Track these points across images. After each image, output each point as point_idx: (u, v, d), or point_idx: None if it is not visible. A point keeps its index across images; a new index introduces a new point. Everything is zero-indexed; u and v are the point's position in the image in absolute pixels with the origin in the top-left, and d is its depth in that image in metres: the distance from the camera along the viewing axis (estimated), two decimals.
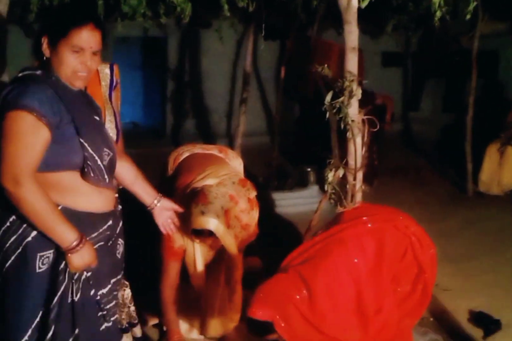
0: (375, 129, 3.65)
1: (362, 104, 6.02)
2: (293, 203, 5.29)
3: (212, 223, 2.69)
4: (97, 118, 2.21)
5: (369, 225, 2.52)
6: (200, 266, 3.00)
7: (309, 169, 5.79)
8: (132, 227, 3.38)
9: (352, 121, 3.47)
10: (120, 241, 2.35)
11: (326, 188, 3.81)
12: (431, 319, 3.58)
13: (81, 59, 2.06)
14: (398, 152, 7.64)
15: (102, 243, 2.17)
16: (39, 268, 2.03)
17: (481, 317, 3.51)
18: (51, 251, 2.04)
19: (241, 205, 2.82)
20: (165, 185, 3.25)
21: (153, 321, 3.35)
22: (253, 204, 2.92)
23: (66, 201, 2.05)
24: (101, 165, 2.09)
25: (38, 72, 2.06)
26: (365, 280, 2.40)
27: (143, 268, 3.43)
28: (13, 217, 2.03)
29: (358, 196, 3.72)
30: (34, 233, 2.02)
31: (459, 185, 6.22)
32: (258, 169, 6.17)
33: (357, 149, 3.59)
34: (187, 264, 3.03)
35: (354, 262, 2.42)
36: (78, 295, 2.07)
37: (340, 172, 3.69)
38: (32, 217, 1.95)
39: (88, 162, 2.04)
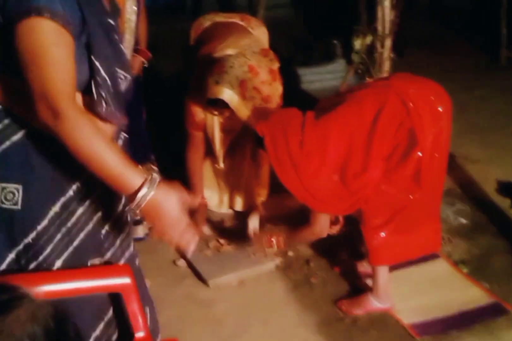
0: None
1: None
2: (319, 78, 5.13)
3: (226, 93, 2.65)
4: (112, 22, 1.55)
5: (376, 90, 2.43)
6: (217, 139, 3.02)
7: (335, 42, 5.54)
8: (153, 103, 3.39)
9: None
10: None
11: (352, 57, 3.67)
12: (459, 190, 3.57)
13: None
14: (428, 22, 7.26)
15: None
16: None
17: (509, 187, 3.48)
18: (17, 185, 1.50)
19: (262, 76, 2.74)
20: (188, 56, 3.18)
21: None
22: (275, 76, 2.83)
23: None
24: (114, 93, 1.52)
25: None
26: (356, 141, 2.37)
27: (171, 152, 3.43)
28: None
29: (386, 65, 3.60)
30: None
31: (491, 53, 5.94)
32: (282, 44, 5.95)
33: (385, 13, 3.41)
34: (208, 136, 3.03)
35: (350, 121, 2.39)
36: None
37: (368, 39, 3.54)
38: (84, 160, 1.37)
39: (100, 90, 1.46)
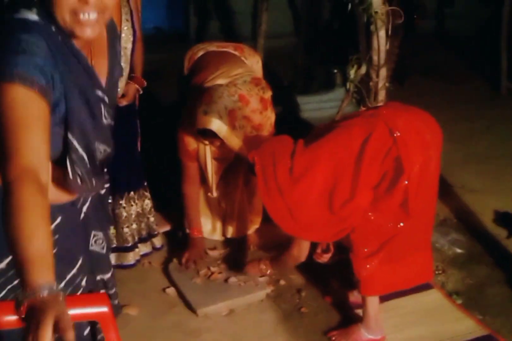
0: (401, 21, 3.44)
1: None
2: (318, 106, 5.12)
3: (214, 123, 2.65)
4: (99, 93, 1.52)
5: (365, 118, 2.43)
6: (209, 168, 3.00)
7: (335, 71, 5.56)
8: (150, 130, 3.40)
9: (376, 12, 3.27)
10: (97, 234, 1.77)
11: (347, 86, 3.68)
12: (455, 220, 3.55)
13: None
14: (432, 51, 7.30)
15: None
16: None
17: (506, 218, 3.44)
18: None
19: (253, 105, 2.76)
20: (182, 85, 3.20)
21: (166, 228, 3.39)
22: (266, 104, 2.84)
23: None
24: (90, 167, 1.51)
25: (34, 16, 1.36)
26: (344, 168, 2.37)
27: (164, 178, 3.44)
28: None
29: (382, 95, 3.59)
30: None
31: (493, 83, 5.96)
32: (284, 72, 6.00)
33: (380, 43, 3.42)
34: (201, 166, 3.03)
35: (338, 149, 2.38)
36: None
37: (363, 69, 3.55)
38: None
39: (76, 167, 1.45)
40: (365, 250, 2.46)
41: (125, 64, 2.82)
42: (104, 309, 1.70)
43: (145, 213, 3.08)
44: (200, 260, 3.07)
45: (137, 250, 3.07)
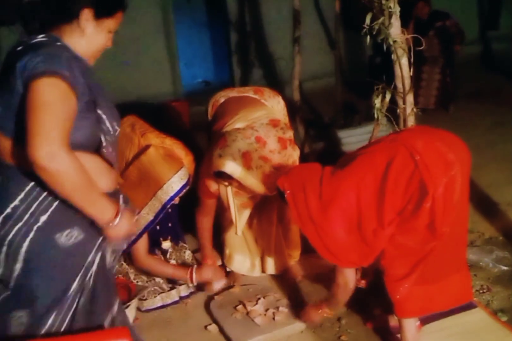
0: (421, 48, 3.47)
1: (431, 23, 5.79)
2: (360, 139, 5.09)
3: (228, 165, 2.74)
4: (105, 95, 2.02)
5: (386, 144, 2.44)
6: (232, 208, 3.07)
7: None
8: None
9: (395, 41, 3.32)
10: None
11: (375, 115, 3.70)
12: (501, 238, 3.45)
13: (108, 40, 1.99)
14: (478, 75, 7.25)
15: None
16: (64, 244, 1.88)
17: None
18: (70, 229, 1.89)
19: (270, 146, 2.84)
20: (207, 132, 3.32)
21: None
22: (286, 143, 2.91)
23: None
24: (114, 139, 1.98)
25: (51, 38, 1.87)
26: (370, 196, 2.36)
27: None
28: (16, 202, 1.84)
29: (411, 120, 3.59)
30: (44, 217, 1.84)
31: None
32: (326, 110, 6.09)
33: (403, 71, 3.45)
34: (225, 206, 3.09)
35: (361, 176, 2.39)
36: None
37: (387, 97, 3.58)
38: (69, 193, 1.74)
39: (106, 136, 1.93)
40: (397, 272, 2.41)
41: None
42: None
43: (189, 263, 3.28)
44: (215, 274, 3.17)
45: (178, 288, 3.17)
